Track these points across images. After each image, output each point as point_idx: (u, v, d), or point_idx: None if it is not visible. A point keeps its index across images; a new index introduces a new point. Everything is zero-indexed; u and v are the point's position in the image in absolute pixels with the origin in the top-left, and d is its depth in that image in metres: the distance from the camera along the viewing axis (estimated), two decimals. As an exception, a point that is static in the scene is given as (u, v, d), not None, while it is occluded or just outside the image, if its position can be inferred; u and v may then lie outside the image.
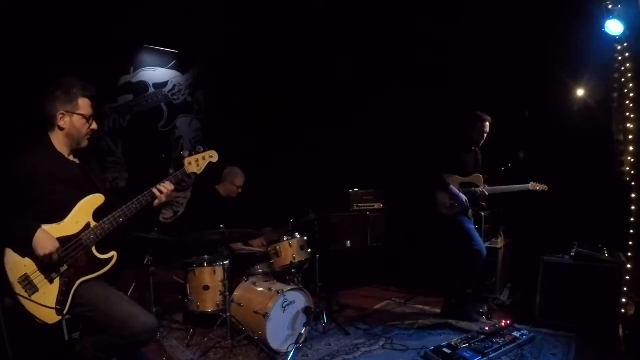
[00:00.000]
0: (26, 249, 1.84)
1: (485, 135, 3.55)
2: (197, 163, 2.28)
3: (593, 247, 3.46)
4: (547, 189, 3.51)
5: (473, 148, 3.65)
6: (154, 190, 2.15)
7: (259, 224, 4.11)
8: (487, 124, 3.51)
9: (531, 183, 3.53)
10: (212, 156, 2.33)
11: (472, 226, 3.58)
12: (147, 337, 2.01)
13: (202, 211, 3.99)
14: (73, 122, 2.04)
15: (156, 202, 2.18)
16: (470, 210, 3.68)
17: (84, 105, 2.06)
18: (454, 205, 3.52)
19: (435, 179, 3.55)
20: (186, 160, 2.27)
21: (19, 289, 1.83)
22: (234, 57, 6.08)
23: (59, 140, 2.06)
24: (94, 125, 2.12)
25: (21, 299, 1.83)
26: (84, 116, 2.06)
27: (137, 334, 1.93)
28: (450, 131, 3.81)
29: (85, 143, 2.12)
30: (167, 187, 2.18)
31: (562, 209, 4.00)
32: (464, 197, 3.48)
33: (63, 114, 2.02)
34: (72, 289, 1.92)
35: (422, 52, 4.86)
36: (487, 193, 3.55)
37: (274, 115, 6.00)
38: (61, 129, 2.04)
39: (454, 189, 3.49)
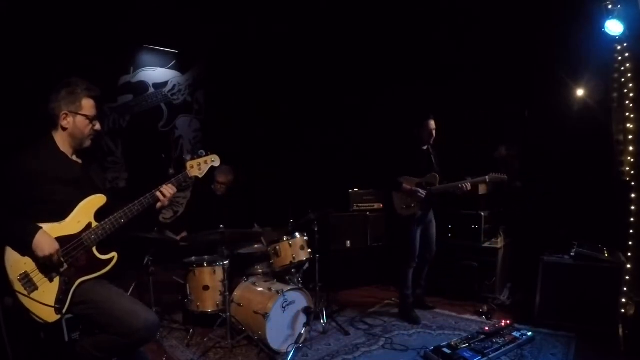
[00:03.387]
0: (26, 250, 1.84)
1: (434, 133, 3.66)
2: (199, 167, 2.29)
3: (593, 247, 3.46)
4: (506, 179, 3.51)
5: (425, 148, 3.75)
6: (157, 193, 2.15)
7: (259, 223, 4.11)
8: (432, 122, 3.66)
9: (489, 174, 3.51)
10: (214, 160, 2.33)
11: (417, 235, 3.70)
12: (148, 334, 2.00)
13: (201, 211, 3.98)
14: (76, 122, 2.04)
15: (158, 204, 2.18)
16: (431, 212, 3.82)
17: (88, 106, 2.06)
18: (411, 206, 3.63)
19: (389, 180, 3.70)
20: (188, 164, 2.27)
21: (18, 287, 1.83)
22: (234, 57, 6.08)
23: (62, 140, 2.06)
24: (97, 126, 2.12)
25: (20, 297, 1.83)
26: (87, 117, 2.05)
27: (138, 330, 1.93)
28: (402, 133, 3.92)
29: (88, 143, 2.12)
30: (170, 190, 2.18)
31: (562, 209, 4.00)
32: (419, 191, 3.55)
33: (66, 114, 2.01)
34: (71, 288, 1.93)
35: (422, 52, 4.86)
36: (469, 187, 3.57)
37: (274, 115, 6.00)
38: (64, 129, 2.04)
39: (406, 186, 3.60)
